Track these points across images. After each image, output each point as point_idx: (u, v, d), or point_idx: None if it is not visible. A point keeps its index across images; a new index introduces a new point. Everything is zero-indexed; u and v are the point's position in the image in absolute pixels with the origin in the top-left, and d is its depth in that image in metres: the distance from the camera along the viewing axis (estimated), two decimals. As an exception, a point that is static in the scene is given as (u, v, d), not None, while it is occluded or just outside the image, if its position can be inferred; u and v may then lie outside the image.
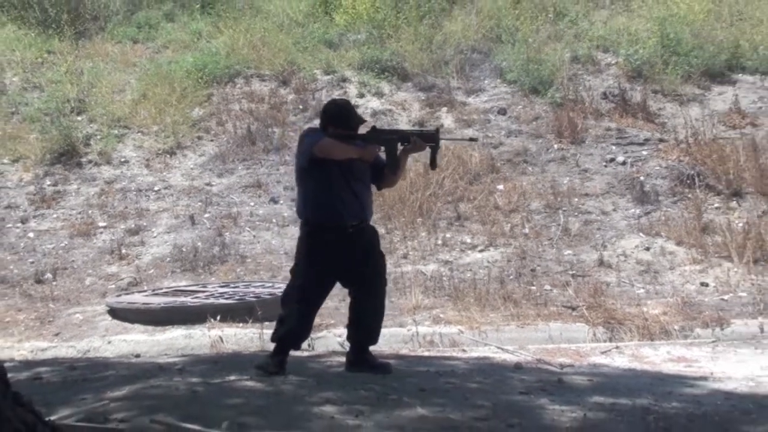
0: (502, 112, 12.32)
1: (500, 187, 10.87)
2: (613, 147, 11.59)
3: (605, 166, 11.25)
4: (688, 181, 10.76)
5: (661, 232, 9.99)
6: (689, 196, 10.57)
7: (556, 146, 11.61)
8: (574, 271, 9.30)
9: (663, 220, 10.20)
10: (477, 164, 11.12)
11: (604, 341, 7.78)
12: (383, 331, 7.90)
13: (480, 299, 8.59)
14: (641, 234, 10.03)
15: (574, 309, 8.39)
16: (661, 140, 11.56)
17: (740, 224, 9.98)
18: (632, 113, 12.13)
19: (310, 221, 6.03)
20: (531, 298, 8.72)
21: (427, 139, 6.02)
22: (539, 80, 12.58)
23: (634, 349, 7.35)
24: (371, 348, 6.37)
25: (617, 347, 7.42)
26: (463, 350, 7.49)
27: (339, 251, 5.96)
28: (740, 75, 13.04)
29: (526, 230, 10.10)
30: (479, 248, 9.89)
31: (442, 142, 6.13)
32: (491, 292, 8.74)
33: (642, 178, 10.96)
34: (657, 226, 10.10)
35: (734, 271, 9.20)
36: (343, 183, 5.94)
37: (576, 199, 10.57)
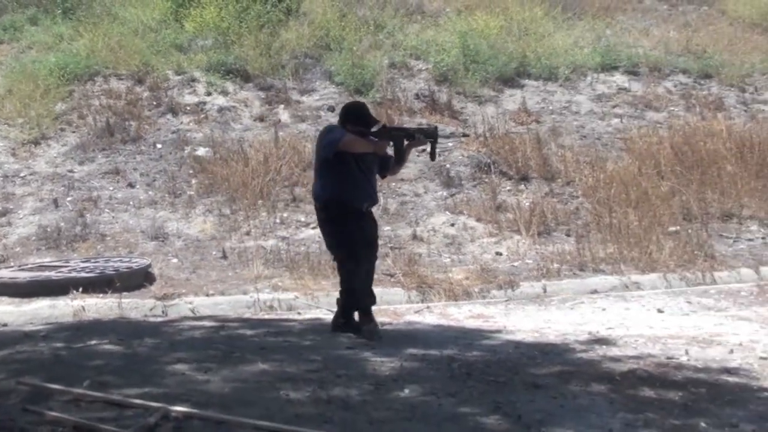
0: (331, 109, 12.28)
1: (330, 173, 10.84)
2: (424, 139, 11.72)
3: (418, 155, 11.33)
4: (486, 168, 11.02)
5: (463, 211, 10.20)
6: (486, 180, 10.83)
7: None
8: (392, 244, 9.39)
9: (465, 201, 10.42)
10: (310, 153, 11.05)
11: (417, 302, 7.90)
12: (228, 298, 7.88)
13: (313, 269, 8.58)
14: (447, 212, 10.22)
15: (392, 276, 8.48)
16: (463, 134, 11.79)
17: (527, 203, 10.31)
18: (440, 111, 12.32)
19: (331, 204, 6.09)
20: (356, 268, 8.74)
21: (428, 135, 6.19)
22: (362, 82, 12.60)
23: (442, 309, 7.51)
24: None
25: (428, 307, 7.56)
26: (299, 313, 7.48)
27: (358, 226, 6.11)
28: (527, 80, 13.43)
29: (352, 210, 10.12)
30: (312, 226, 9.82)
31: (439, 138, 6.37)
32: (322, 262, 8.72)
33: (448, 165, 11.16)
34: (460, 205, 10.31)
35: (522, 242, 9.50)
36: (359, 172, 6.07)
37: (393, 184, 10.66)
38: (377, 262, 6.58)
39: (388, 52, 13.49)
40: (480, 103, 12.67)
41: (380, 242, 9.33)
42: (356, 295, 6.26)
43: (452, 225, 9.92)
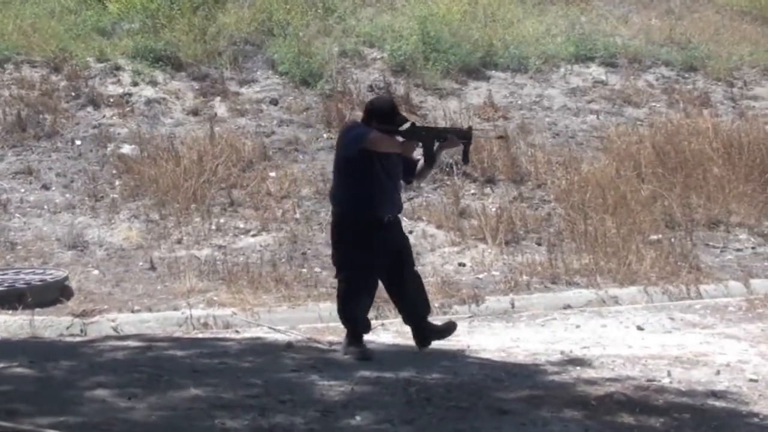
0: (274, 102, 12.25)
1: (272, 174, 10.82)
2: (379, 137, 11.72)
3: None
4: (447, 169, 11.04)
5: (422, 217, 10.22)
6: (448, 183, 10.87)
7: (325, 135, 11.65)
8: (342, 254, 9.37)
9: (425, 206, 10.44)
10: (250, 152, 11.03)
11: (370, 319, 7.88)
12: (157, 315, 7.82)
13: (253, 282, 8.55)
14: (405, 218, 10.19)
15: (342, 290, 8.46)
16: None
17: (493, 209, 10.37)
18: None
19: (348, 210, 6.15)
20: (302, 280, 8.75)
21: (461, 136, 6.35)
22: (309, 72, 12.58)
23: (398, 326, 7.49)
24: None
25: (383, 324, 7.56)
26: (237, 331, 7.45)
27: (376, 239, 6.12)
28: (493, 72, 13.51)
29: (297, 215, 10.11)
30: (252, 233, 9.82)
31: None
32: (264, 274, 8.71)
33: (405, 166, 11.16)
34: (419, 211, 10.33)
35: (488, 252, 9.55)
36: (384, 176, 6.12)
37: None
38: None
39: (338, 39, 13.49)
40: (441, 96, 12.71)
41: (329, 251, 9.35)
42: (357, 321, 6.38)
43: (410, 232, 9.91)
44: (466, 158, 6.57)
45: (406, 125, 6.36)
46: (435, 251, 9.64)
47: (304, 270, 9.03)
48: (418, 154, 6.44)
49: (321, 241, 9.65)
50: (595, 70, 13.80)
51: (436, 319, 7.81)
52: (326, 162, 11.05)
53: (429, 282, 8.69)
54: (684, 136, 11.75)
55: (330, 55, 12.98)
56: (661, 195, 10.64)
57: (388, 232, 6.29)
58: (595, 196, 10.41)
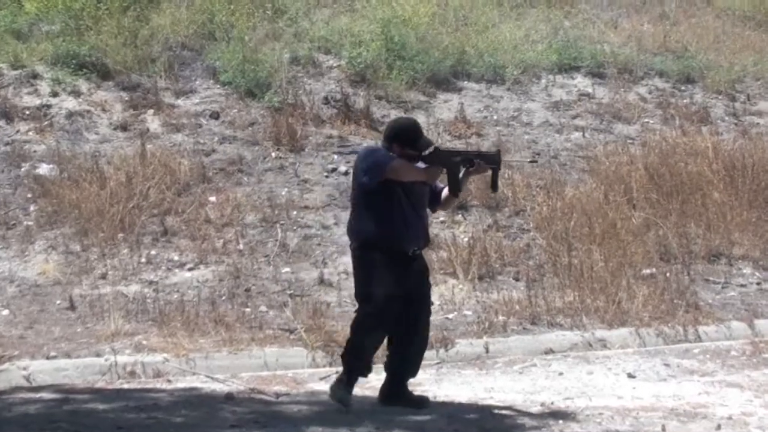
0: (215, 116, 12.22)
1: (212, 198, 10.77)
2: (335, 156, 11.74)
3: (326, 176, 11.39)
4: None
5: (384, 248, 10.19)
6: (414, 209, 10.86)
7: (273, 154, 11.64)
8: (292, 291, 9.35)
9: (387, 235, 10.41)
10: (187, 173, 10.97)
11: (324, 366, 7.86)
12: (76, 361, 7.72)
13: (188, 323, 8.47)
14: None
15: (291, 332, 8.42)
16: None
17: (465, 239, 10.37)
18: (355, 120, 12.35)
19: (369, 243, 6.21)
20: (245, 321, 8.67)
21: (490, 161, 6.45)
22: (256, 82, 12.57)
23: (355, 374, 7.46)
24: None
25: (338, 372, 7.49)
26: (169, 381, 7.38)
27: (399, 274, 6.17)
28: (465, 82, 13.58)
29: (241, 246, 10.06)
30: (188, 266, 9.74)
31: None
32: (201, 315, 8.63)
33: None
34: (380, 241, 10.30)
35: (459, 289, 9.54)
36: (408, 206, 6.22)
37: (295, 212, 10.63)
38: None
39: (289, 44, 13.50)
40: (406, 110, 12.73)
41: (277, 288, 9.38)
42: (363, 357, 6.40)
43: (370, 266, 9.90)
44: (494, 186, 6.69)
45: (430, 149, 6.43)
46: (398, 287, 9.60)
47: (248, 309, 8.96)
48: (442, 180, 6.49)
49: (267, 275, 9.60)
50: (581, 82, 13.92)
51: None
52: (274, 185, 11.04)
53: (391, 323, 8.68)
54: (680, 156, 11.85)
55: (280, 63, 12.98)
56: (654, 223, 10.70)
57: (413, 267, 6.35)
58: (581, 225, 10.44)
